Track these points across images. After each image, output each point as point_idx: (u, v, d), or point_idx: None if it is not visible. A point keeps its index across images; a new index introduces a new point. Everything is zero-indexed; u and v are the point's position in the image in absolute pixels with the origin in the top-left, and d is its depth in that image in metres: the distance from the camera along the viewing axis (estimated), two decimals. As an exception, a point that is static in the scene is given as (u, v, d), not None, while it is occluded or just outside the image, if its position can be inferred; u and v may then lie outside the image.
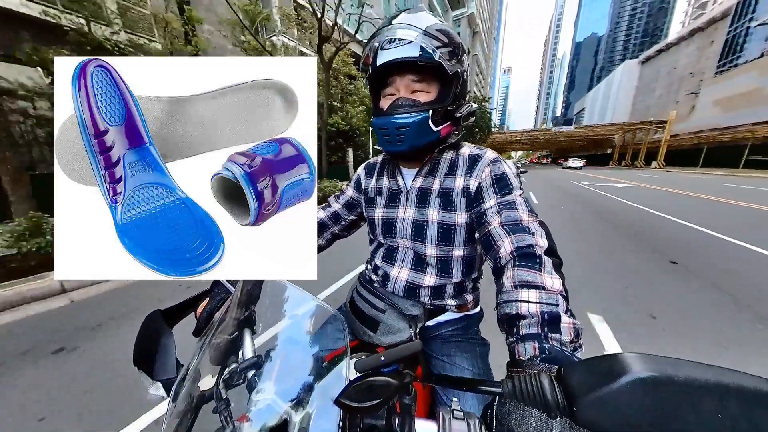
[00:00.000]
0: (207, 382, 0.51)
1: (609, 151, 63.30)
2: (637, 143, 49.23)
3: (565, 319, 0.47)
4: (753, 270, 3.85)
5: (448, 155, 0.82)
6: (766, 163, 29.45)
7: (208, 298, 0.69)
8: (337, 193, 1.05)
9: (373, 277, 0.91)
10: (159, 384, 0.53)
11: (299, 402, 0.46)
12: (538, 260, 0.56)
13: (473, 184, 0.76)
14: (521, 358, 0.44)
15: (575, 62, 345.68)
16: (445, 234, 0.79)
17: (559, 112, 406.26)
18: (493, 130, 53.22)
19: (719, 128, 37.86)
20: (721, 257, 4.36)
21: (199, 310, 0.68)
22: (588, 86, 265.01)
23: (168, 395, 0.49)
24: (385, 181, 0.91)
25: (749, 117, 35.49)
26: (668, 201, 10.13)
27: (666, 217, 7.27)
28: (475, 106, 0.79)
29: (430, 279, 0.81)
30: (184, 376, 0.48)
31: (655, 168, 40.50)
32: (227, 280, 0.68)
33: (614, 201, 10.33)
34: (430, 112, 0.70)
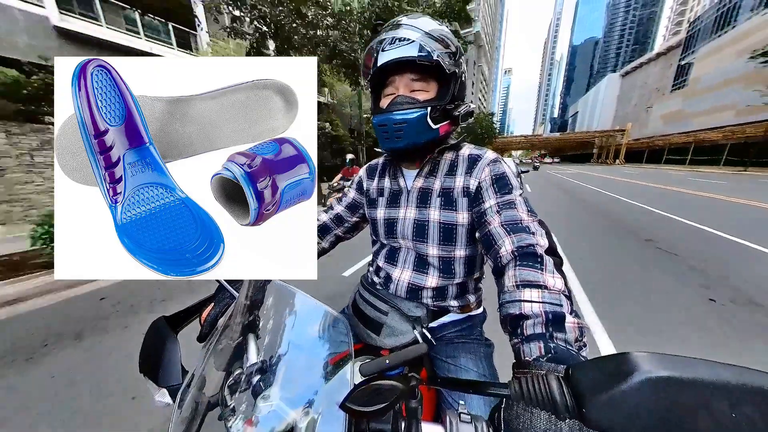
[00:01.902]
0: (212, 388, 0.48)
1: (594, 150, 77.31)
2: (611, 145, 64.98)
3: (569, 319, 0.45)
4: (584, 192, 12.36)
5: (449, 155, 0.80)
6: (675, 161, 44.34)
7: (212, 304, 0.66)
8: (339, 196, 1.03)
9: (375, 279, 0.89)
10: (165, 391, 0.51)
11: (305, 407, 0.43)
12: (539, 259, 0.54)
13: (473, 184, 0.74)
14: (527, 358, 0.42)
15: (572, 67, 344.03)
16: (447, 234, 0.76)
17: (556, 114, 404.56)
18: (497, 134, 64.52)
19: (656, 136, 53.15)
20: (579, 191, 13.19)
21: (204, 315, 0.66)
22: (585, 89, 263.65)
23: (174, 402, 0.47)
24: (387, 182, 0.88)
25: (677, 129, 48.01)
26: (581, 176, 22.94)
27: (571, 180, 18.12)
28: (473, 106, 0.77)
29: (432, 280, 0.79)
30: (189, 383, 0.47)
31: (617, 164, 55.12)
32: (231, 285, 0.65)
33: (555, 175, 24.38)
34: (429, 109, 0.68)
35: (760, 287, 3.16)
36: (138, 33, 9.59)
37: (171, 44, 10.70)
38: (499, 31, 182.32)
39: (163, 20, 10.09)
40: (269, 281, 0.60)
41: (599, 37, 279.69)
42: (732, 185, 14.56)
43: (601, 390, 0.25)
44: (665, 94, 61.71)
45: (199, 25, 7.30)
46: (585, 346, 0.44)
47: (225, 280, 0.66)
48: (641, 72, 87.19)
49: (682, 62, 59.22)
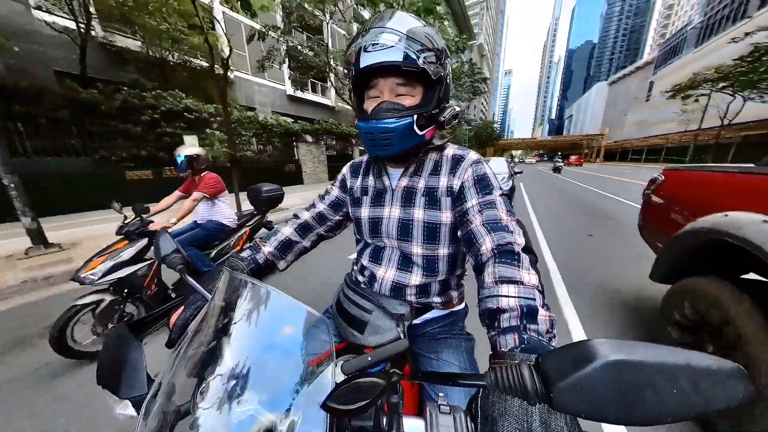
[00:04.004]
0: (182, 396, 0.44)
1: (585, 151, 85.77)
2: (594, 146, 77.65)
3: (541, 312, 0.47)
4: (550, 176, 22.11)
5: (433, 155, 0.77)
6: (636, 159, 57.13)
7: (182, 308, 0.63)
8: (322, 193, 0.95)
9: (360, 277, 0.85)
10: (127, 402, 0.47)
11: (284, 410, 0.41)
12: (516, 257, 0.55)
13: (456, 184, 0.72)
14: (503, 350, 0.43)
15: (569, 71, 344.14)
16: (431, 233, 0.74)
17: (554, 115, 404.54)
18: (498, 138, 72.06)
19: (627, 140, 64.03)
20: (546, 175, 23.29)
21: (173, 320, 0.62)
22: (582, 92, 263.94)
23: (138, 413, 0.42)
24: (371, 181, 0.84)
25: (642, 134, 58.39)
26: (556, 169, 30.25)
27: (546, 172, 28.63)
28: (458, 108, 0.73)
29: (416, 278, 0.76)
30: (156, 392, 0.42)
31: (598, 162, 67.05)
32: (203, 287, 0.63)
33: (538, 169, 35.62)
34: (415, 116, 0.65)
35: (571, 191, 11.68)
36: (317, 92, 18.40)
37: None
38: (499, 38, 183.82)
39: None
40: (243, 281, 0.55)
41: (596, 41, 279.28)
42: (633, 173, 23.98)
43: (566, 375, 0.26)
44: (642, 104, 69.39)
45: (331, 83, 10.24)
46: (554, 337, 0.45)
47: (196, 282, 0.64)
48: (625, 82, 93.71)
49: (651, 78, 66.96)
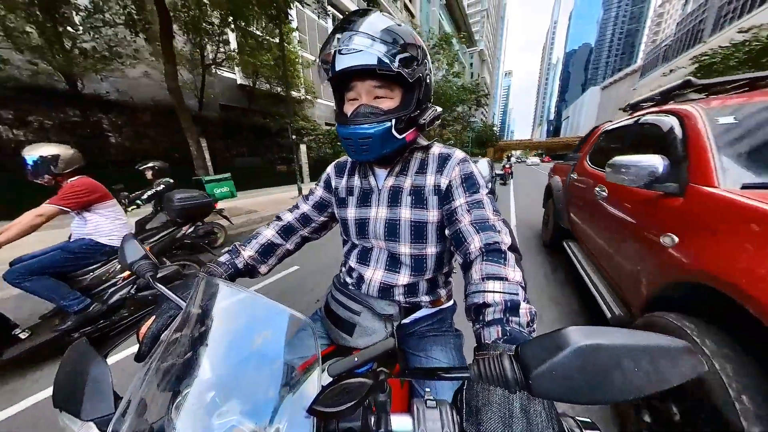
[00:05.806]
0: (156, 413, 0.40)
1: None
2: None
3: (523, 306, 0.48)
4: (536, 171, 28.56)
5: (419, 154, 0.76)
6: None
7: (152, 318, 0.59)
8: (305, 194, 0.92)
9: (348, 279, 0.84)
10: (91, 424, 0.43)
11: (268, 418, 0.38)
12: (503, 255, 0.56)
13: (444, 182, 0.71)
14: (486, 342, 0.44)
15: (566, 74, 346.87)
16: (418, 232, 0.73)
17: (552, 116, 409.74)
18: (498, 140, 78.41)
19: None
20: (529, 170, 29.95)
21: (142, 331, 0.58)
22: (581, 93, 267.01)
23: None
24: (357, 181, 0.81)
25: None
26: (543, 167, 37.82)
27: (534, 167, 37.61)
28: (439, 109, 0.72)
29: (404, 278, 0.76)
30: (124, 410, 0.38)
31: None
32: (176, 294, 0.59)
33: (529, 166, 44.00)
34: (393, 121, 0.63)
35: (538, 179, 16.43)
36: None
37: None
38: (500, 41, 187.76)
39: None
40: (221, 286, 0.52)
41: (593, 45, 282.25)
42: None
43: (542, 362, 0.27)
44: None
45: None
46: (535, 330, 0.46)
47: (168, 289, 0.60)
48: (615, 87, 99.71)
49: (636, 86, 72.02)
